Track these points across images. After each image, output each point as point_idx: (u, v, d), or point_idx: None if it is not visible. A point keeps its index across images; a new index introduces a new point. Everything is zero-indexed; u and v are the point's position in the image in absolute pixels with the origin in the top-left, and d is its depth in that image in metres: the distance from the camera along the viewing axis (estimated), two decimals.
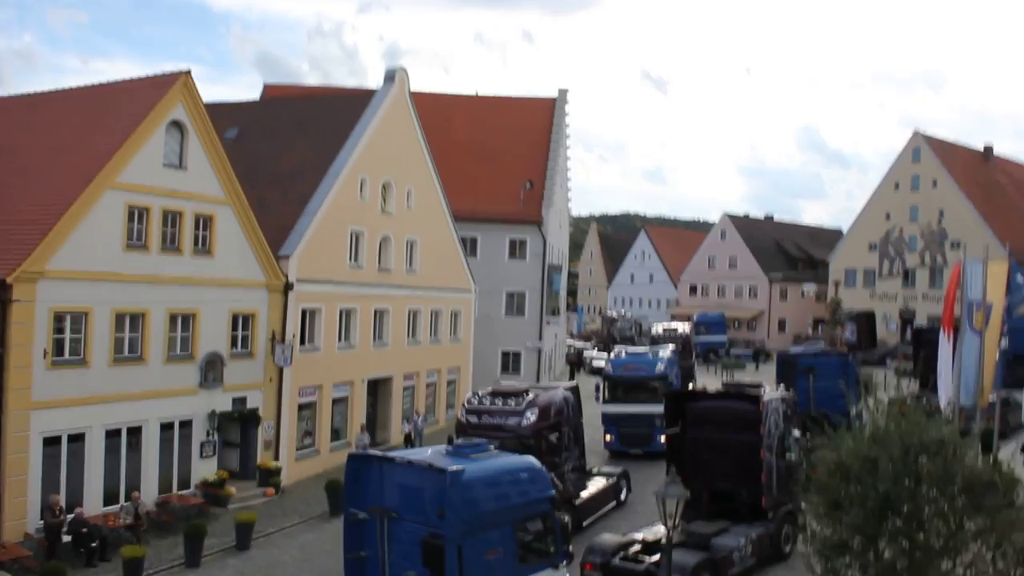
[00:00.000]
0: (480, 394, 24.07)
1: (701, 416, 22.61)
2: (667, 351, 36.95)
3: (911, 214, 74.54)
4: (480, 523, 13.81)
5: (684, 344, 47.82)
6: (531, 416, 22.38)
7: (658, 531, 19.40)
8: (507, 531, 14.27)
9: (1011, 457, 26.94)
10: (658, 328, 56.72)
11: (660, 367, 34.45)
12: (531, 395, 23.15)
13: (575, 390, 25.97)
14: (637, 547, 19.53)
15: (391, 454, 15.84)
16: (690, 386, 41.23)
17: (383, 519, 14.74)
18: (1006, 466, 16.22)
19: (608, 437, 33.84)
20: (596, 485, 25.92)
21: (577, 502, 23.89)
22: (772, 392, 23.34)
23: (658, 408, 30.77)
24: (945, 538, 11.64)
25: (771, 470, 21.13)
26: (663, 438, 30.49)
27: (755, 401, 21.73)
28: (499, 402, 23.00)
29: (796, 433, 22.32)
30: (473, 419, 22.55)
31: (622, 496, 27.19)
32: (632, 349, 40.57)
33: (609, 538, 20.20)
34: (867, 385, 30.72)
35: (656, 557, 18.47)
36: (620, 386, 34.31)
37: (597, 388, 35.18)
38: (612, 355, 38.08)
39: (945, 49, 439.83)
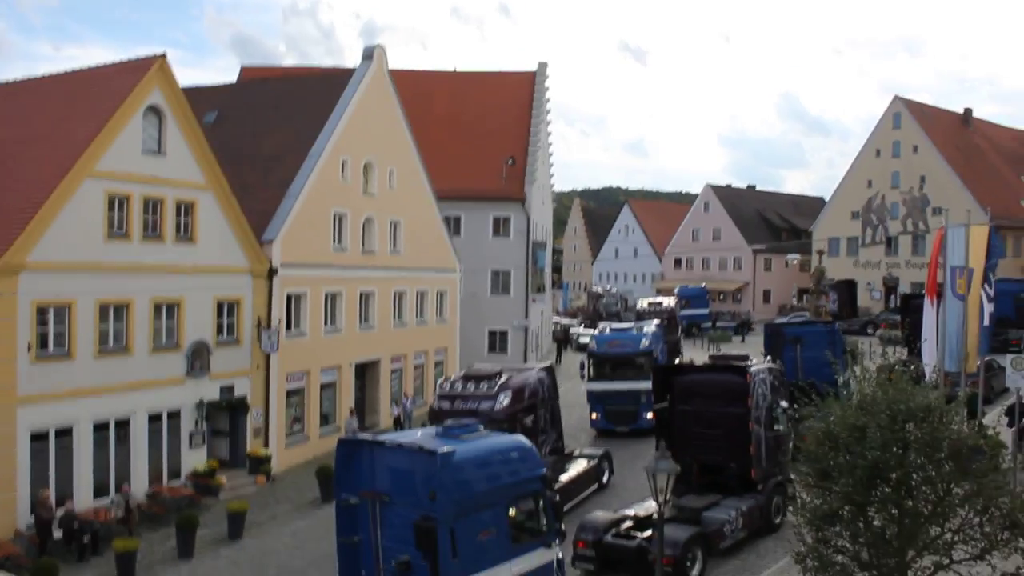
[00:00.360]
0: (452, 378, 23.78)
1: (689, 390, 22.63)
2: (652, 326, 36.38)
3: (893, 181, 74.74)
4: (472, 504, 13.81)
5: (670, 318, 47.68)
6: (504, 399, 21.92)
7: (649, 507, 19.48)
8: (499, 511, 14.28)
9: (996, 421, 27.22)
10: (643, 303, 55.89)
11: (645, 343, 33.85)
12: (504, 378, 22.73)
13: (550, 370, 25.51)
14: (629, 523, 19.64)
15: (381, 438, 15.79)
16: (677, 361, 41.34)
17: (375, 503, 14.73)
18: (991, 431, 16.38)
19: (594, 415, 33.50)
20: (576, 468, 25.29)
21: (556, 485, 23.24)
22: (759, 364, 23.38)
23: (644, 385, 30.85)
24: (933, 504, 11.74)
25: (760, 442, 21.23)
26: (650, 414, 30.62)
27: (742, 373, 21.76)
28: (471, 386, 22.56)
29: (784, 404, 22.34)
30: (446, 404, 22.10)
31: (604, 479, 26.32)
32: (616, 325, 39.81)
33: (601, 515, 20.29)
34: (853, 353, 31.11)
35: (648, 533, 18.60)
36: (605, 363, 33.67)
37: (582, 366, 34.72)
38: (596, 332, 37.82)
39: (923, 13, 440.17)
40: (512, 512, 14.63)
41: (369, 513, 14.84)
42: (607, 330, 36.97)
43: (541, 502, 15.02)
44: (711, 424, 21.85)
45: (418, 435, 15.38)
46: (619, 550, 18.66)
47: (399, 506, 14.37)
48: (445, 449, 13.65)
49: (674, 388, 22.85)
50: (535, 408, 23.79)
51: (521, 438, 16.36)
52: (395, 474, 14.64)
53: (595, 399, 33.46)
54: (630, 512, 20.33)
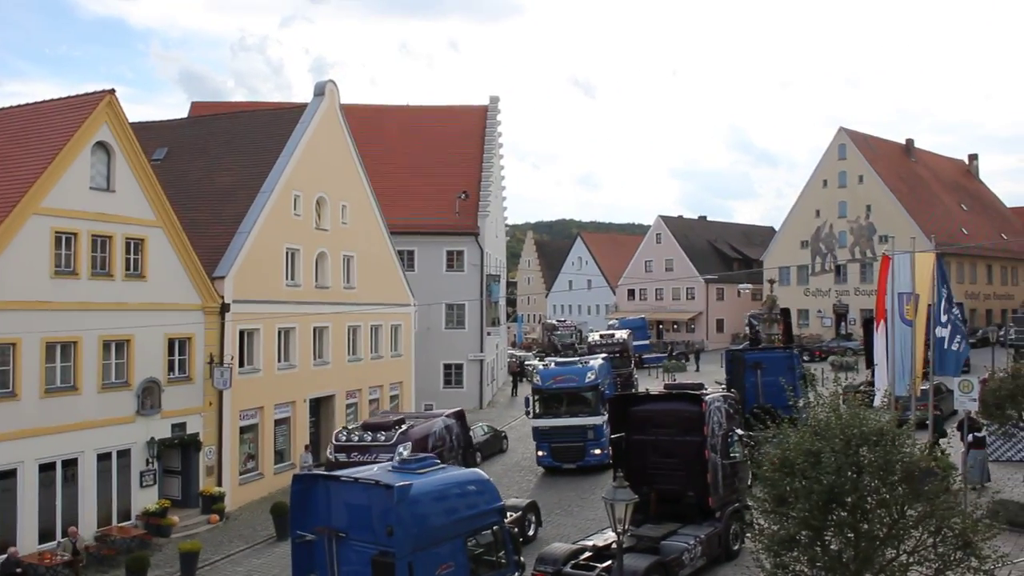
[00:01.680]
0: (350, 428, 22.58)
1: (645, 419, 22.59)
2: (598, 360, 35.44)
3: (840, 210, 76.28)
4: (430, 538, 13.68)
5: (622, 351, 47.32)
6: (404, 451, 20.10)
7: (608, 537, 19.44)
8: (457, 544, 14.15)
9: (947, 441, 27.70)
10: (594, 335, 53.81)
11: (591, 376, 32.59)
12: (404, 427, 21.53)
13: (460, 416, 24.29)
14: (588, 554, 19.53)
15: (336, 473, 15.63)
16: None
17: (331, 539, 14.52)
18: (940, 452, 16.68)
19: (540, 452, 32.43)
20: None
21: None
22: (714, 392, 23.54)
23: (591, 420, 31.27)
24: (888, 526, 11.87)
25: (716, 469, 21.33)
26: (598, 450, 30.77)
27: (698, 402, 21.78)
28: (369, 436, 21.37)
29: (739, 432, 22.51)
30: (342, 456, 20.81)
31: (529, 532, 24.63)
32: (561, 359, 39.16)
33: (559, 547, 20.17)
34: (810, 379, 31.72)
35: (607, 563, 18.50)
36: (550, 399, 32.43)
37: (527, 402, 33.81)
38: (541, 366, 36.81)
39: (864, 48, 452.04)
40: (470, 545, 14.50)
41: (326, 549, 14.63)
42: (552, 364, 36.16)
43: (500, 534, 14.91)
44: (668, 453, 21.84)
45: (374, 469, 15.22)
46: None
47: (356, 542, 14.18)
48: (402, 483, 13.53)
49: (630, 417, 22.84)
50: (441, 458, 21.95)
51: (479, 472, 16.26)
52: (351, 509, 14.47)
53: (540, 436, 32.35)
54: (589, 543, 20.22)
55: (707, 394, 22.66)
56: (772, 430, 13.00)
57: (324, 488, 14.87)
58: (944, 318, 24.16)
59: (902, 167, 79.65)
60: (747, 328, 68.92)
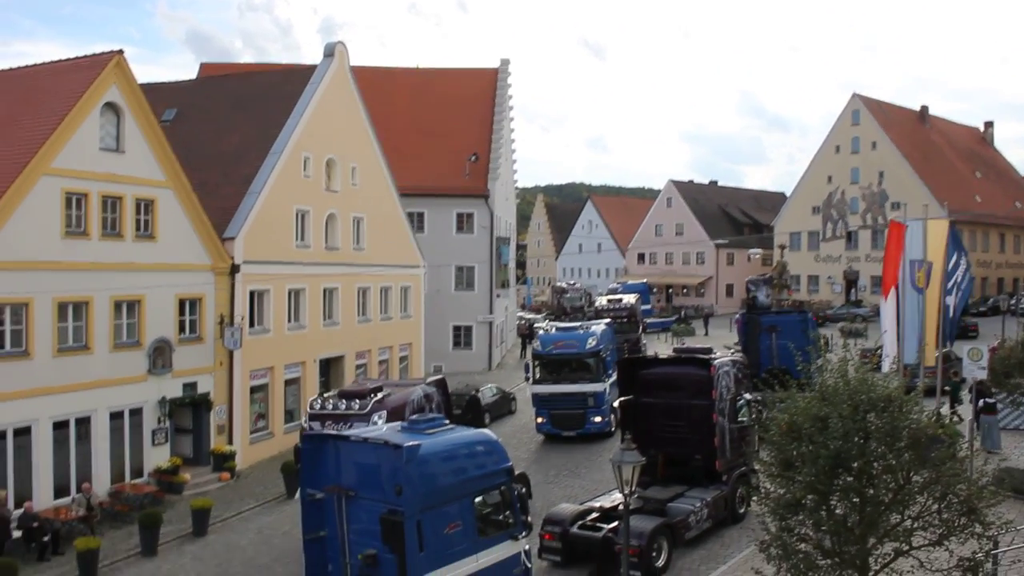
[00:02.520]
0: (325, 396, 21.39)
1: (654, 382, 22.69)
2: (601, 325, 34.34)
3: (852, 176, 75.81)
4: (438, 498, 13.82)
5: (629, 315, 46.45)
6: (379, 420, 18.92)
7: (615, 498, 19.67)
8: (466, 504, 14.30)
9: (948, 413, 27.74)
10: (602, 300, 51.98)
11: (592, 343, 31.89)
12: (380, 395, 20.25)
13: (441, 384, 22.57)
14: (595, 515, 19.80)
15: (346, 432, 15.79)
16: None
17: (340, 498, 14.71)
18: (948, 420, 16.70)
19: (539, 419, 31.82)
20: None
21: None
22: (723, 356, 23.58)
23: (591, 387, 30.97)
24: (893, 492, 11.91)
25: (724, 433, 21.46)
26: (597, 419, 30.65)
27: (706, 366, 21.81)
28: (343, 405, 20.08)
29: (747, 396, 22.58)
30: (316, 425, 19.51)
31: None
32: (562, 324, 37.78)
33: (566, 507, 20.45)
34: (825, 342, 31.99)
35: (613, 524, 18.76)
36: (550, 365, 31.86)
37: (527, 368, 33.40)
38: (541, 331, 35.69)
39: (880, 12, 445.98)
40: (478, 505, 14.65)
41: (335, 508, 14.81)
42: (553, 329, 35.11)
43: (508, 495, 15.06)
44: (676, 416, 21.94)
45: (383, 429, 15.35)
46: (585, 541, 18.79)
47: (365, 500, 14.35)
48: (411, 443, 13.64)
49: (638, 381, 22.92)
50: None
51: (487, 432, 16.35)
52: (361, 469, 14.62)
53: (540, 402, 31.73)
54: (596, 504, 20.48)
55: (716, 358, 22.65)
56: (782, 393, 13.02)
57: (334, 447, 15.03)
58: (951, 286, 24.09)
59: (916, 134, 78.96)
60: (746, 293, 69.65)
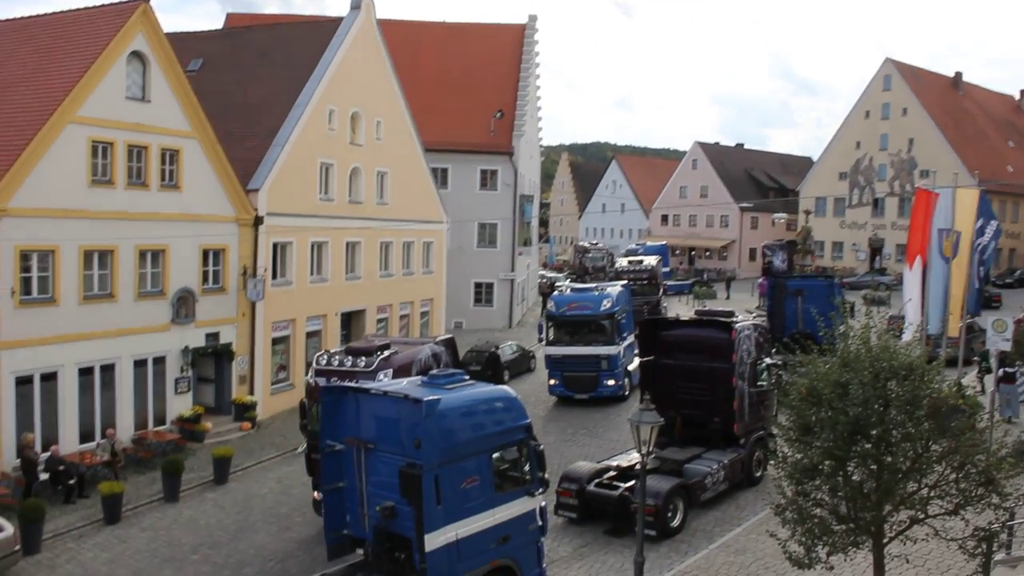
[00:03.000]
0: (331, 352, 20.74)
1: (674, 344, 22.75)
2: (616, 287, 34.02)
3: (881, 143, 74.79)
4: (456, 452, 13.89)
5: (650, 277, 46.42)
6: (384, 378, 18.35)
7: (632, 458, 19.88)
8: (483, 460, 14.36)
9: (974, 382, 27.59)
10: (622, 262, 51.52)
11: (607, 304, 31.46)
12: (387, 352, 19.60)
13: (450, 344, 21.63)
14: (612, 474, 20.01)
15: (366, 385, 15.87)
16: None
17: (359, 450, 14.85)
18: (970, 390, 16.61)
19: (552, 381, 31.67)
20: None
21: None
22: (744, 320, 23.58)
23: (605, 350, 30.67)
24: (911, 460, 11.89)
25: (743, 397, 21.50)
26: (611, 382, 30.51)
27: (727, 329, 21.81)
28: (349, 361, 19.45)
29: (768, 360, 22.55)
30: (322, 380, 18.95)
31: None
32: (578, 285, 37.18)
33: (584, 465, 20.65)
34: (851, 308, 32.18)
35: (630, 483, 18.95)
36: (564, 326, 31.53)
37: (540, 329, 32.99)
38: (556, 292, 35.09)
39: None
40: (496, 461, 14.75)
41: (354, 460, 14.97)
42: (567, 290, 34.70)
43: (525, 452, 15.15)
44: (695, 378, 22.02)
45: (403, 384, 15.43)
46: (601, 499, 19.07)
47: (384, 453, 14.47)
48: (430, 397, 13.71)
49: (659, 342, 22.96)
50: None
51: (506, 389, 16.40)
52: (380, 422, 14.71)
53: (553, 364, 31.59)
54: (613, 463, 20.70)
55: (737, 322, 22.61)
56: (804, 357, 13.00)
57: (354, 400, 15.12)
58: (977, 255, 23.87)
59: (949, 101, 77.63)
60: (762, 258, 69.73)
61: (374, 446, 14.64)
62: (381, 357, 19.21)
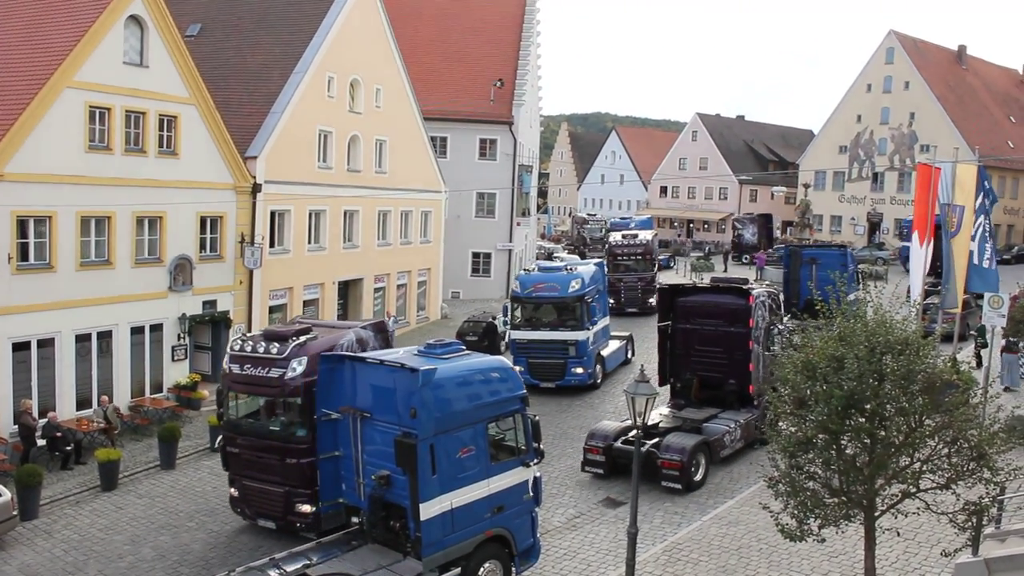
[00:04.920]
0: (247, 336, 18.77)
1: (692, 310, 23.92)
2: (589, 266, 31.78)
3: (882, 116, 74.37)
4: (452, 422, 13.96)
5: (644, 253, 44.35)
6: (297, 367, 16.70)
7: (654, 417, 21.20)
8: (479, 430, 14.44)
9: (970, 357, 27.69)
10: (615, 236, 47.61)
11: (575, 286, 29.05)
12: (303, 338, 17.43)
13: (379, 328, 19.31)
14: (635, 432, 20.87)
15: (362, 354, 15.90)
16: (651, 301, 40.40)
17: (356, 419, 14.91)
18: (964, 366, 16.67)
19: (517, 368, 30.07)
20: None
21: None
22: (759, 287, 24.62)
23: (572, 335, 28.49)
24: (905, 435, 11.93)
25: (758, 360, 22.33)
26: (579, 370, 28.97)
27: (745, 296, 22.88)
28: (262, 347, 17.37)
29: (780, 325, 23.59)
30: (235, 368, 17.48)
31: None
32: (546, 264, 34.17)
33: (609, 424, 21.96)
34: (864, 276, 33.44)
35: (654, 440, 20.39)
36: (529, 308, 29.41)
37: (505, 311, 31.37)
38: (522, 271, 32.90)
39: None
40: (491, 431, 14.83)
41: (350, 428, 15.03)
42: (535, 269, 32.02)
43: (521, 422, 15.23)
44: (712, 342, 23.33)
45: (400, 353, 15.47)
46: (628, 455, 19.63)
47: (380, 422, 14.55)
48: (427, 367, 13.76)
49: (677, 308, 24.13)
50: None
51: (503, 359, 16.43)
52: (376, 391, 14.77)
53: (518, 350, 29.33)
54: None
55: (754, 289, 23.67)
56: (815, 322, 13.12)
57: (350, 369, 15.17)
58: (976, 232, 23.87)
59: (951, 75, 77.15)
60: (732, 230, 70.63)
61: (370, 415, 14.71)
62: (295, 343, 17.14)
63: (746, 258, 68.60)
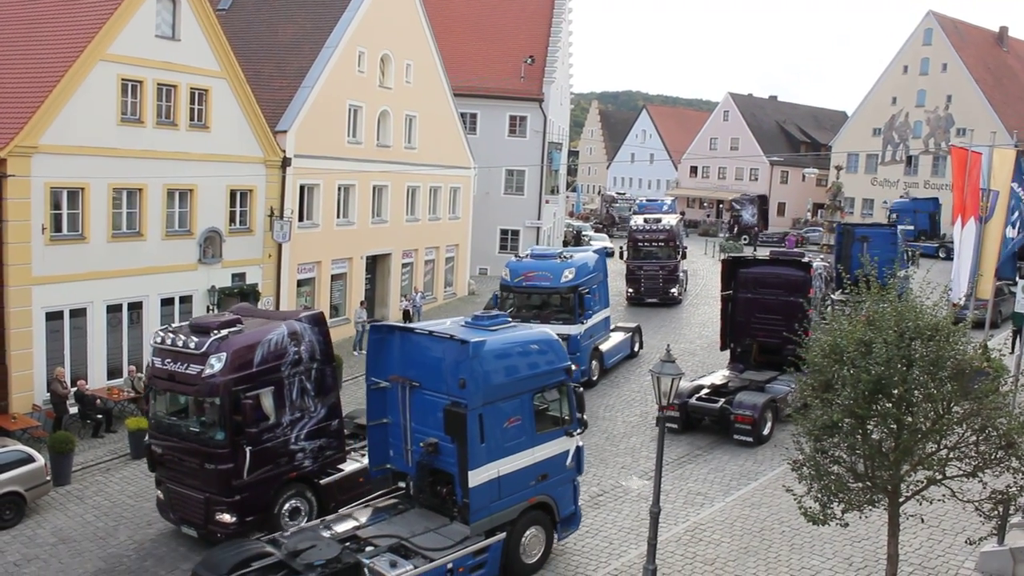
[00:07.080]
0: (169, 328, 17.40)
1: (753, 280, 26.07)
2: (587, 254, 29.60)
3: (918, 99, 73.20)
4: (500, 392, 14.23)
5: (667, 239, 40.83)
6: (216, 364, 15.59)
7: (719, 377, 24.69)
8: (525, 400, 14.72)
9: (1001, 344, 27.25)
10: (637, 220, 43.66)
11: (568, 276, 27.01)
12: (227, 331, 16.16)
13: (316, 321, 17.60)
14: (707, 390, 23.65)
15: (412, 325, 16.18)
16: (673, 292, 40.38)
17: (405, 388, 15.14)
18: (995, 354, 16.45)
19: None
20: (354, 466, 18.12)
21: (322, 481, 17.29)
22: (817, 260, 27.01)
23: (564, 329, 24.71)
24: (932, 421, 11.82)
25: (816, 328, 22.27)
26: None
27: (806, 268, 25.34)
28: (181, 341, 16.10)
29: (833, 296, 25.24)
30: (157, 362, 16.50)
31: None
32: (540, 251, 30.90)
33: (683, 384, 22.21)
34: (912, 255, 34.55)
35: (726, 399, 22.62)
36: (518, 299, 27.51)
37: (495, 300, 29.93)
38: (514, 257, 30.64)
39: None
40: (536, 401, 15.06)
41: (399, 397, 15.27)
42: (528, 256, 29.42)
43: (566, 392, 15.46)
44: (771, 310, 25.22)
45: (447, 324, 15.63)
46: (703, 411, 22.82)
47: (428, 392, 14.82)
48: (476, 339, 13.99)
49: (739, 278, 26.26)
50: (277, 376, 16.44)
51: (548, 331, 16.10)
52: (425, 361, 14.97)
53: None
54: (705, 381, 24.42)
55: (813, 261, 26.08)
56: (862, 295, 13.09)
57: (400, 339, 15.40)
58: (1014, 217, 23.48)
59: (991, 57, 75.64)
60: (730, 211, 70.60)
61: (419, 384, 14.93)
62: (216, 337, 15.89)
63: (745, 237, 68.74)
